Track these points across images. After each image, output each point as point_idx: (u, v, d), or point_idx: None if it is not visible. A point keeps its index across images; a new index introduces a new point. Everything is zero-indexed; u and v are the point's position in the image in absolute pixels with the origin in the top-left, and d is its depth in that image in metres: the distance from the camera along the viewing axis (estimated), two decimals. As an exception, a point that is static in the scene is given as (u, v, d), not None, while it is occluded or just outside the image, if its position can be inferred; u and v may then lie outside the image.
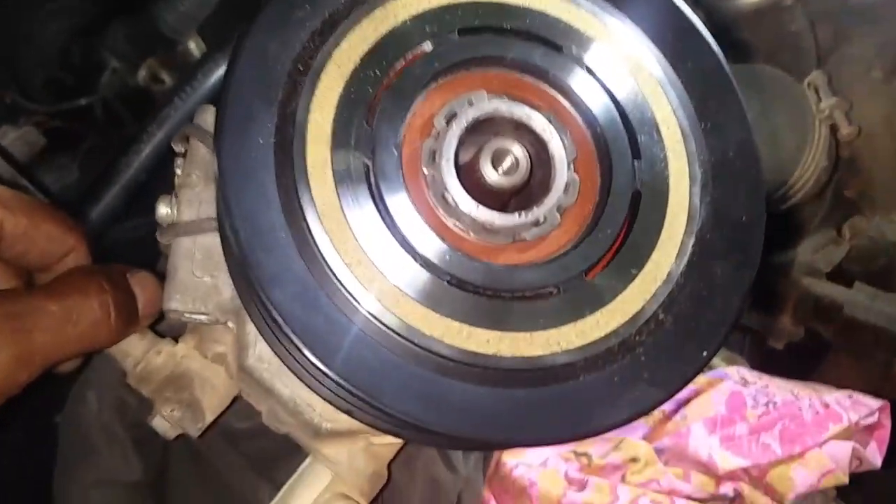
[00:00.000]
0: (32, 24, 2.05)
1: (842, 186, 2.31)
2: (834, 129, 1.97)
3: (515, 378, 0.67)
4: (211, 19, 2.16)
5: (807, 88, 1.95)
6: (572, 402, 0.68)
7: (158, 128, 1.44)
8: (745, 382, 1.24)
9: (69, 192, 1.85)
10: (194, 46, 2.08)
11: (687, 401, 1.06)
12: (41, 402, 1.00)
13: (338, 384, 0.63)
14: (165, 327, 0.97)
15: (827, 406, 1.08)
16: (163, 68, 2.10)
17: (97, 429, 1.11)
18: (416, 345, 0.65)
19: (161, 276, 0.88)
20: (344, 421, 0.82)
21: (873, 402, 1.11)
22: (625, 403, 0.68)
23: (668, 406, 1.02)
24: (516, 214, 0.70)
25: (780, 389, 1.14)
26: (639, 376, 0.68)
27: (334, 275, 0.64)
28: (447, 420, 0.65)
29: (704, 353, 0.70)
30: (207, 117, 0.88)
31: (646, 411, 0.69)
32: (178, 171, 0.89)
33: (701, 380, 1.28)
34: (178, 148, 0.89)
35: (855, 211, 2.28)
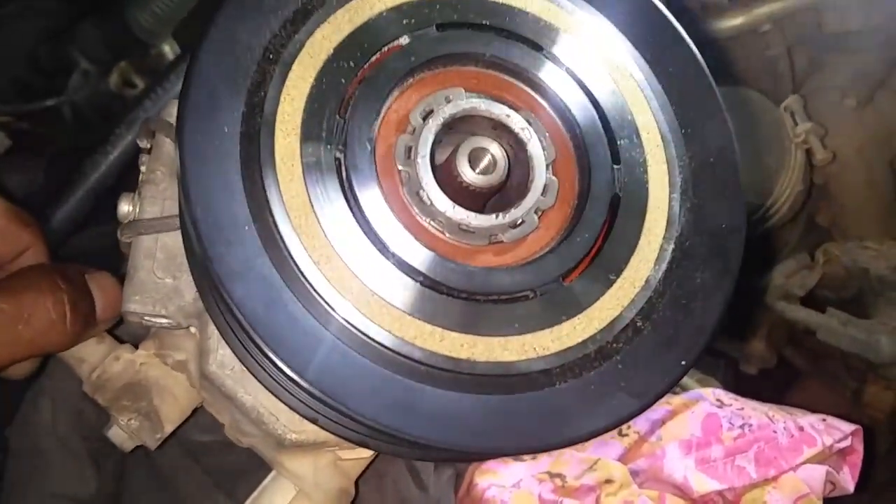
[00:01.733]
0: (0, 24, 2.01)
1: (815, 212, 2.34)
2: (809, 154, 1.99)
3: (489, 384, 0.64)
4: (186, 22, 2.13)
5: (783, 112, 1.97)
6: (547, 410, 0.65)
7: (127, 130, 1.41)
8: (720, 404, 1.22)
9: (34, 195, 1.80)
10: (168, 50, 2.05)
11: (662, 422, 1.04)
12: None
13: (303, 388, 0.60)
14: (127, 334, 0.94)
15: (801, 429, 1.07)
16: (135, 72, 2.06)
17: (51, 440, 1.07)
18: (386, 348, 0.62)
19: (122, 280, 0.85)
20: (309, 431, 0.78)
21: (846, 427, 1.10)
22: (601, 412, 0.65)
23: (643, 427, 1.00)
24: (493, 215, 0.68)
25: (756, 412, 1.12)
26: (616, 385, 0.66)
27: (301, 272, 0.61)
28: (417, 426, 0.61)
29: (683, 363, 0.68)
30: (175, 112, 0.85)
31: (622, 421, 0.66)
32: (143, 168, 0.85)
33: (676, 401, 1.26)
34: (143, 143, 0.85)
35: (828, 237, 2.30)
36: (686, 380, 1.58)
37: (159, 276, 0.81)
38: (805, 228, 2.38)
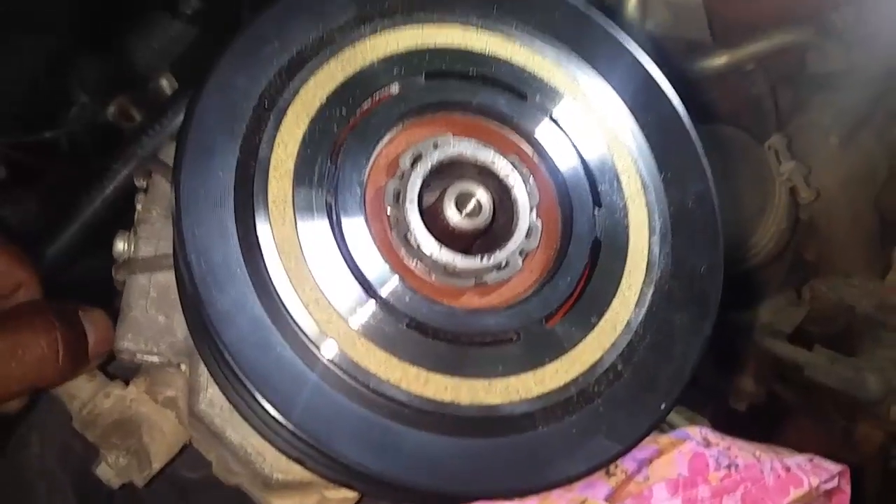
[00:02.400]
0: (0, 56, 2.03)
1: (801, 249, 2.36)
2: (793, 192, 2.02)
3: (473, 427, 0.66)
4: (184, 57, 2.16)
5: (767, 151, 2.00)
6: (530, 453, 0.66)
7: (124, 165, 1.42)
8: (707, 443, 1.23)
9: (28, 226, 1.81)
10: (166, 84, 2.08)
11: (649, 461, 1.05)
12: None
13: (288, 430, 0.61)
14: (117, 368, 0.94)
15: (788, 469, 1.08)
16: (133, 105, 2.08)
17: (38, 475, 1.06)
18: (372, 390, 0.63)
19: (116, 316, 0.86)
20: (296, 472, 0.79)
21: (833, 467, 1.11)
22: (582, 456, 0.67)
23: (630, 466, 1.01)
24: (478, 258, 0.70)
25: (743, 451, 1.13)
26: (597, 428, 0.67)
27: (290, 315, 0.62)
28: (401, 470, 0.63)
29: (662, 406, 0.69)
30: (172, 153, 0.87)
31: (603, 464, 0.68)
32: (139, 206, 0.87)
33: (663, 440, 1.27)
34: (140, 183, 0.87)
35: (814, 273, 2.32)
36: (674, 417, 1.59)
37: (152, 313, 0.82)
38: (792, 264, 2.40)
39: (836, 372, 1.89)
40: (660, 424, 0.72)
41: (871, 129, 2.17)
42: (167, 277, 0.82)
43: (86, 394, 0.90)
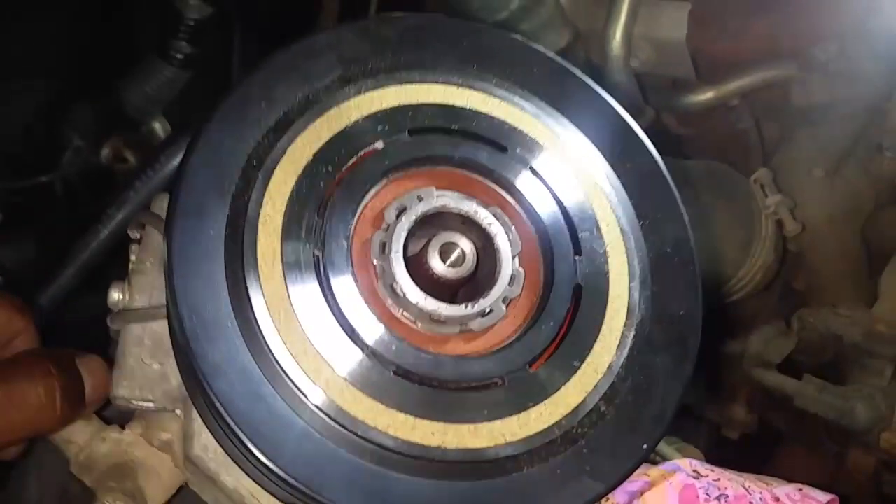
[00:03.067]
0: (-6, 101, 2.06)
1: (790, 279, 2.39)
2: (780, 224, 2.05)
3: (459, 470, 0.67)
4: (177, 100, 2.19)
5: (753, 185, 2.03)
6: (516, 495, 0.68)
7: (118, 210, 1.44)
8: (697, 475, 1.25)
9: (25, 269, 1.83)
10: (159, 127, 2.11)
11: (640, 493, 1.07)
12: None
13: (279, 477, 0.63)
14: (113, 413, 0.96)
15: (777, 500, 1.10)
16: (127, 148, 2.11)
17: (36, 518, 1.07)
18: (361, 437, 0.65)
19: (111, 361, 0.88)
20: (289, 513, 0.81)
21: (823, 497, 1.12)
22: (567, 496, 0.68)
23: (621, 499, 1.02)
24: (463, 305, 0.72)
25: (732, 482, 1.15)
26: (580, 469, 0.69)
27: (280, 366, 0.65)
28: (390, 514, 0.64)
29: (644, 447, 0.71)
30: (164, 205, 0.90)
31: (588, 503, 0.69)
32: (133, 257, 0.89)
33: (654, 472, 1.28)
34: (134, 234, 0.90)
35: (803, 302, 2.35)
36: (665, 448, 1.60)
37: (147, 362, 0.84)
38: (782, 294, 2.43)
39: (825, 401, 1.90)
40: (642, 464, 0.73)
41: (855, 161, 2.20)
42: (161, 326, 0.84)
43: (83, 438, 0.92)
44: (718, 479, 1.17)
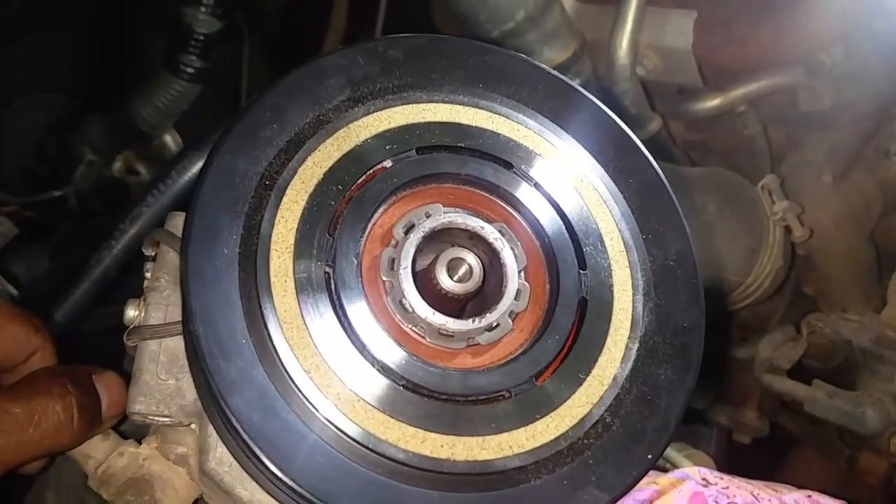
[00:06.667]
0: (7, 116, 2.10)
1: (801, 283, 2.39)
2: (788, 230, 2.05)
3: (468, 482, 0.69)
4: (188, 114, 2.22)
5: (761, 191, 2.04)
6: (524, 505, 0.70)
7: (131, 225, 1.48)
8: (706, 483, 1.26)
9: (39, 283, 1.86)
10: (170, 140, 2.14)
11: (650, 501, 1.07)
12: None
13: (294, 490, 0.65)
14: (129, 427, 0.98)
15: (786, 507, 1.10)
16: (139, 160, 2.15)
17: (55, 532, 1.10)
18: (372, 450, 0.67)
19: (126, 376, 0.90)
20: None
21: (832, 503, 1.13)
22: (574, 506, 0.70)
23: (631, 508, 1.04)
24: (470, 320, 0.74)
25: (741, 490, 1.16)
26: (587, 479, 0.71)
27: (293, 381, 0.66)
28: (401, 526, 0.66)
29: (649, 456, 0.72)
30: (178, 222, 0.92)
31: (595, 514, 0.71)
32: (148, 275, 0.91)
33: (663, 480, 1.29)
34: (148, 252, 0.92)
35: (814, 306, 2.35)
36: (675, 455, 1.61)
37: (162, 377, 0.86)
38: (793, 298, 2.43)
39: (836, 406, 1.90)
40: (648, 473, 0.75)
41: (863, 165, 2.21)
42: (176, 342, 0.86)
43: (100, 453, 0.93)
44: (727, 487, 1.18)
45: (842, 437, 2.27)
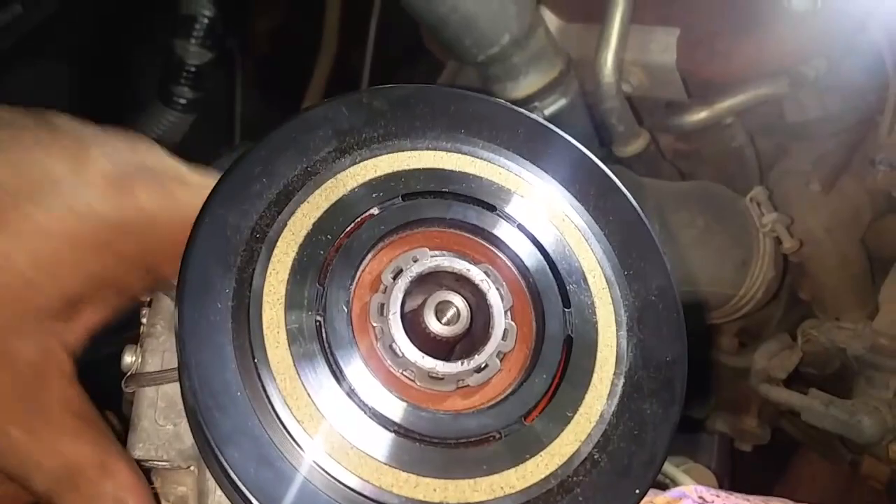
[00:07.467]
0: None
1: (796, 288, 2.41)
2: (778, 241, 2.07)
3: (462, 523, 0.71)
4: (184, 143, 2.24)
5: (749, 203, 2.06)
6: (515, 545, 0.71)
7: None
8: (703, 501, 1.28)
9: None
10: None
11: (647, 521, 1.09)
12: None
13: (291, 537, 0.66)
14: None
15: (784, 521, 1.12)
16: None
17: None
18: (366, 498, 0.68)
19: (124, 418, 0.92)
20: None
21: (826, 518, 1.15)
22: (565, 544, 0.72)
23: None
24: (459, 362, 0.76)
25: (737, 508, 1.18)
26: (577, 516, 0.72)
27: (287, 432, 0.68)
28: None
29: (637, 491, 0.74)
30: (173, 269, 0.94)
31: (584, 549, 0.72)
32: (144, 321, 0.93)
33: (660, 500, 1.31)
34: (144, 298, 0.94)
35: (810, 312, 2.37)
36: (672, 470, 1.63)
37: (161, 423, 0.88)
38: (789, 303, 2.45)
39: (832, 415, 1.92)
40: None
41: (851, 173, 2.23)
42: (174, 388, 0.88)
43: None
44: (724, 504, 1.20)
45: (844, 442, 2.29)
